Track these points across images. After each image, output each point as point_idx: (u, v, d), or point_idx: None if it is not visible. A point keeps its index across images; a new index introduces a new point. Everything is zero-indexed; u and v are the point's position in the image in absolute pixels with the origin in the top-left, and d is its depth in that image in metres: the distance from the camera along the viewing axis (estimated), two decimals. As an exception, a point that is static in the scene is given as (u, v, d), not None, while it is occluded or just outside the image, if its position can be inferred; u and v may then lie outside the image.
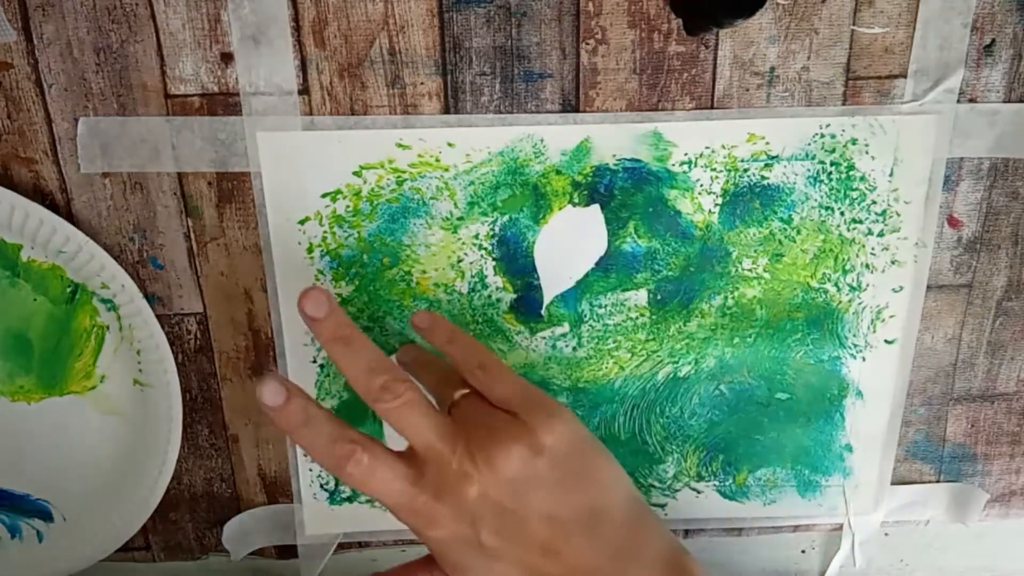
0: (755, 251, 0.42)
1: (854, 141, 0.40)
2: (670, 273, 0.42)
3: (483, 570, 0.31)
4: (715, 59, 0.39)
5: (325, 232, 0.41)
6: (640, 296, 0.43)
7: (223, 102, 0.38)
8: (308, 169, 0.39)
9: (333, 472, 0.31)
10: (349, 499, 0.47)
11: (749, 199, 0.41)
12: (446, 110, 0.39)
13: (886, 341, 0.45)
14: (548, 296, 0.43)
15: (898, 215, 0.42)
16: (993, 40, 0.39)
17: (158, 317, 0.41)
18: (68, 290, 0.41)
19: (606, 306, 0.43)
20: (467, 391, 0.34)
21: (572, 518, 0.31)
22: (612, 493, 0.32)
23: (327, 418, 0.31)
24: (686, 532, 0.50)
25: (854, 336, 0.45)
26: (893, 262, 0.43)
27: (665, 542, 0.32)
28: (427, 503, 0.30)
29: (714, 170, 0.41)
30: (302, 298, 0.31)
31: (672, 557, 0.32)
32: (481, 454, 0.31)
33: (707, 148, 0.40)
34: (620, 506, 0.32)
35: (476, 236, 0.41)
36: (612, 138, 0.40)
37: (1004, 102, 0.40)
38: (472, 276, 0.42)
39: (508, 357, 0.44)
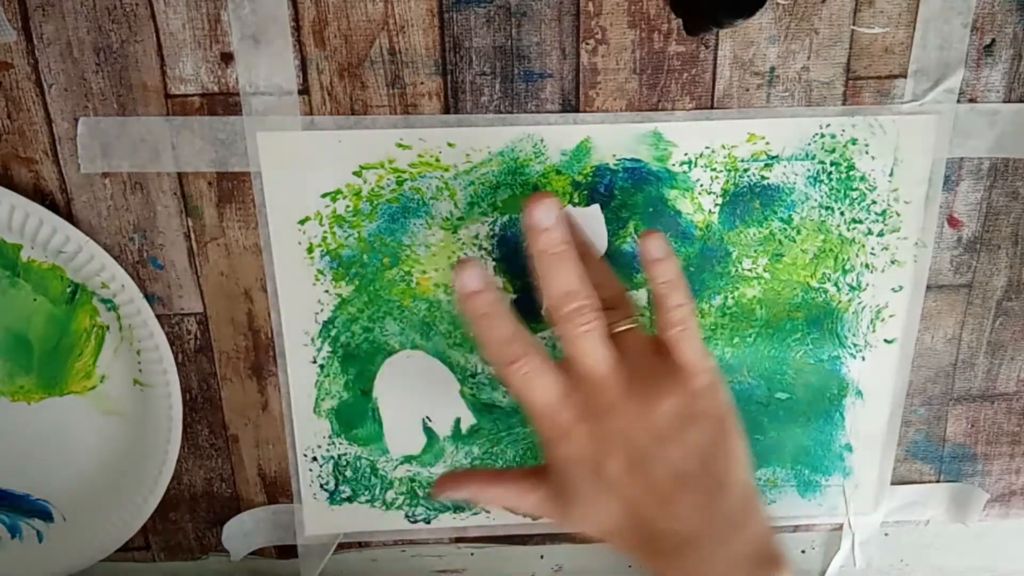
0: (755, 251, 0.42)
1: (854, 141, 0.40)
2: (670, 273, 0.42)
3: (593, 498, 0.32)
4: (715, 59, 0.39)
5: (325, 232, 0.41)
6: (640, 296, 0.43)
7: (223, 102, 0.38)
8: (308, 169, 0.39)
9: (497, 368, 0.32)
10: (349, 499, 0.47)
11: (749, 199, 0.41)
12: (446, 110, 0.39)
13: (886, 341, 0.45)
14: (548, 296, 0.43)
15: (898, 215, 0.42)
16: (993, 40, 0.39)
17: (158, 317, 0.41)
18: (68, 290, 0.41)
19: (606, 306, 0.43)
20: (638, 326, 0.35)
21: (699, 482, 0.32)
22: (738, 470, 0.34)
23: (510, 318, 0.32)
24: (686, 532, 0.50)
25: (854, 336, 0.45)
26: (893, 262, 0.43)
27: (766, 526, 0.34)
28: (569, 419, 0.31)
29: (714, 170, 0.41)
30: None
31: (768, 541, 0.33)
32: (638, 395, 0.32)
33: (707, 148, 0.40)
34: (740, 483, 0.33)
35: (476, 236, 0.41)
36: (612, 138, 0.40)
37: (1004, 102, 0.40)
38: (472, 276, 0.42)
39: (508, 357, 0.44)
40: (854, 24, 0.39)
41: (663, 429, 0.32)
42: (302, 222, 0.40)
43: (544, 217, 0.32)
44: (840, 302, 0.44)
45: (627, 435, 0.31)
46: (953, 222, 0.43)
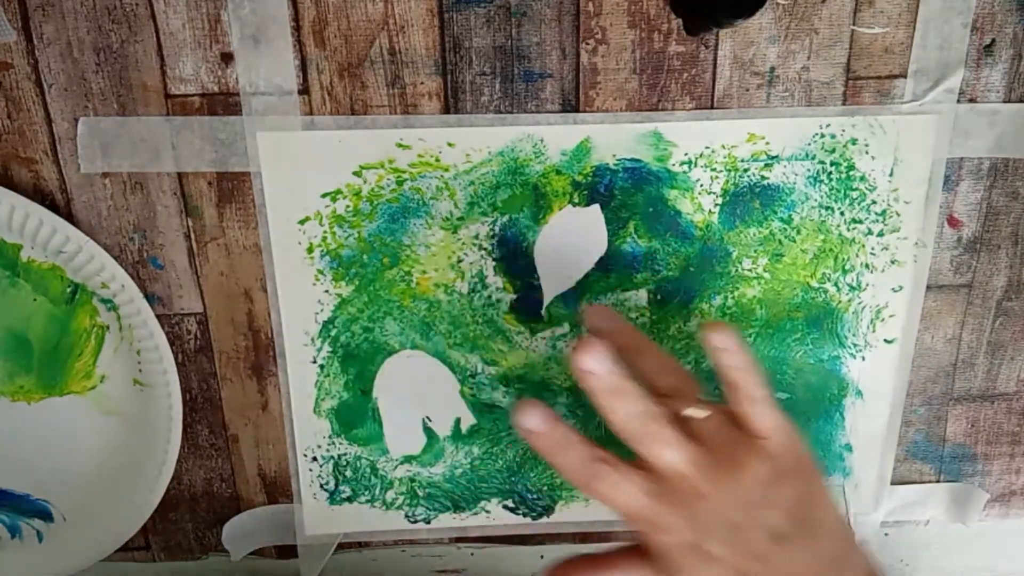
0: (755, 251, 0.42)
1: (854, 141, 0.40)
2: (670, 273, 0.42)
3: (699, 572, 0.33)
4: (715, 59, 0.39)
5: (325, 232, 0.41)
6: (640, 296, 0.43)
7: (223, 102, 0.38)
8: (308, 169, 0.39)
9: (581, 487, 0.33)
10: (349, 499, 0.47)
11: (749, 199, 0.41)
12: (446, 110, 0.39)
13: (886, 341, 0.45)
14: (548, 296, 0.43)
15: (898, 215, 0.42)
16: (993, 40, 0.39)
17: (158, 317, 0.41)
18: (68, 290, 0.41)
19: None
20: (709, 410, 0.35)
21: (797, 535, 0.33)
22: (829, 510, 0.35)
23: (579, 440, 0.33)
24: (686, 532, 0.50)
25: (854, 336, 0.45)
26: (893, 262, 0.43)
27: (864, 556, 0.35)
28: (661, 514, 0.32)
29: (714, 170, 0.41)
30: (583, 354, 0.32)
31: (870, 570, 0.35)
32: (722, 473, 0.33)
33: (707, 148, 0.40)
34: (833, 522, 0.35)
35: (476, 236, 0.41)
36: (612, 138, 0.40)
37: (1004, 102, 0.40)
38: (472, 276, 0.42)
39: (508, 357, 0.44)
40: (854, 24, 0.39)
41: (753, 498, 0.33)
42: (302, 222, 0.40)
43: (595, 365, 0.32)
44: (840, 302, 0.44)
45: (720, 514, 0.32)
46: (953, 222, 0.43)
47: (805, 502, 0.34)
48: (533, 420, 0.33)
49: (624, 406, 0.33)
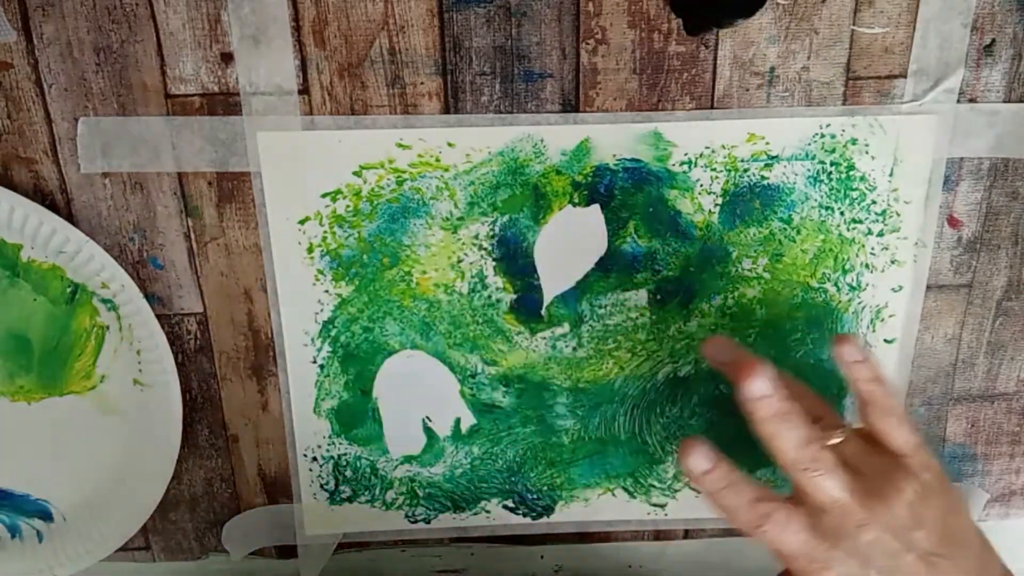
0: (755, 251, 0.42)
1: (854, 141, 0.40)
2: (670, 273, 0.42)
3: None
4: (715, 59, 0.39)
5: (325, 232, 0.41)
6: (640, 296, 0.43)
7: (223, 102, 0.38)
8: (308, 169, 0.39)
9: (747, 529, 0.33)
10: (349, 499, 0.47)
11: (749, 199, 0.41)
12: (446, 110, 0.39)
13: (886, 341, 0.45)
14: (548, 296, 0.43)
15: (898, 215, 0.42)
16: (993, 40, 0.39)
17: (158, 317, 0.41)
18: (68, 290, 0.41)
19: (606, 306, 0.43)
20: (848, 433, 0.36)
21: (944, 552, 0.34)
22: (967, 520, 0.36)
23: (745, 480, 0.34)
24: (686, 532, 0.50)
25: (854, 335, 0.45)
26: (893, 262, 0.43)
27: (999, 560, 0.36)
28: (826, 550, 0.33)
29: (714, 170, 0.41)
30: (753, 380, 0.33)
31: (1004, 570, 0.36)
32: (876, 500, 0.33)
33: (707, 148, 0.40)
34: (971, 533, 0.36)
35: (476, 236, 0.41)
36: (612, 138, 0.40)
37: (1004, 102, 0.40)
38: (472, 276, 0.42)
39: (508, 357, 0.44)
40: (854, 24, 0.39)
41: (905, 522, 0.33)
42: (302, 222, 0.40)
43: (761, 389, 0.33)
44: (840, 302, 0.44)
45: (879, 544, 0.33)
46: (953, 222, 0.43)
47: (947, 517, 0.34)
48: (701, 461, 0.33)
49: (791, 431, 0.33)
